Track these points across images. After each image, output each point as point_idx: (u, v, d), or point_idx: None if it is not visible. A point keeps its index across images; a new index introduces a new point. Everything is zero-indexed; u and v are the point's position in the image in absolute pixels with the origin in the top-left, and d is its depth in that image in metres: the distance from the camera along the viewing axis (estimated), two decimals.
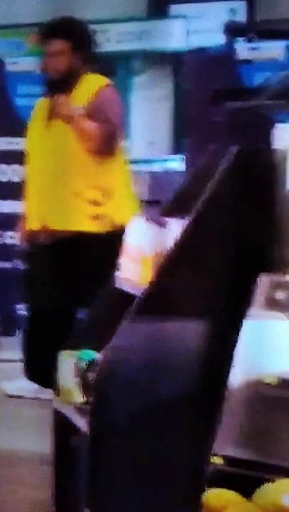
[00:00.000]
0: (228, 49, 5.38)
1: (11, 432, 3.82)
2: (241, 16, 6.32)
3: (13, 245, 5.18)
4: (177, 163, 5.47)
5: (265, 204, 2.09)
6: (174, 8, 6.38)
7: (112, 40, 5.96)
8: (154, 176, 5.28)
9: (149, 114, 6.03)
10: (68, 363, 2.36)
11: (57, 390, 2.42)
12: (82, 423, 2.18)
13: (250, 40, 5.53)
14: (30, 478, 3.26)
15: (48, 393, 2.95)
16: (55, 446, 2.49)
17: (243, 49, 5.33)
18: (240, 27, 5.97)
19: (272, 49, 5.24)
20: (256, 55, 5.27)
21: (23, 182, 4.32)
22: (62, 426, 2.41)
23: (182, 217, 2.19)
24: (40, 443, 3.06)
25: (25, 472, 3.37)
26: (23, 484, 3.24)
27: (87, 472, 2.03)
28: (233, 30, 5.80)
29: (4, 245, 5.53)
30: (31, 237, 4.09)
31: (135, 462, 1.98)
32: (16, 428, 3.88)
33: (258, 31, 5.70)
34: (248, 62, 5.25)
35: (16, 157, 5.00)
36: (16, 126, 5.00)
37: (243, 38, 5.61)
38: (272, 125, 2.25)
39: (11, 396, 4.32)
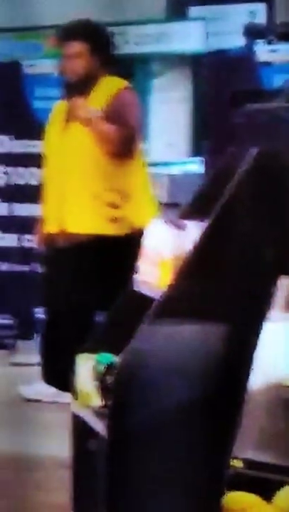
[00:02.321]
0: (248, 51, 5.37)
1: (29, 436, 3.82)
2: (261, 18, 6.29)
3: (31, 248, 5.18)
4: (196, 166, 5.46)
5: (285, 206, 2.07)
6: (193, 10, 6.36)
7: (130, 42, 5.96)
8: (172, 178, 5.27)
9: (168, 116, 6.02)
10: (86, 367, 2.35)
11: (75, 394, 2.40)
12: (100, 427, 2.17)
13: (269, 43, 5.52)
14: (49, 482, 3.26)
15: (66, 397, 2.94)
16: (73, 450, 2.48)
17: (262, 51, 5.32)
18: (259, 29, 5.95)
19: None
20: (276, 57, 5.26)
21: (40, 185, 4.33)
22: (80, 430, 2.40)
23: (201, 220, 2.18)
24: (58, 447, 3.06)
25: (43, 476, 3.36)
26: (41, 488, 3.24)
27: (105, 476, 2.02)
28: (253, 33, 5.79)
29: (22, 248, 5.53)
30: (49, 240, 4.09)
31: (154, 466, 1.96)
32: (34, 432, 3.88)
33: (278, 33, 5.69)
34: (267, 64, 5.24)
35: (34, 160, 5.01)
36: (34, 129, 5.00)
37: (263, 40, 5.60)
38: None
39: (29, 400, 4.31)
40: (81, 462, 2.44)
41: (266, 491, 2.13)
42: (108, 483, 2.01)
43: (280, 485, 2.13)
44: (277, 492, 2.13)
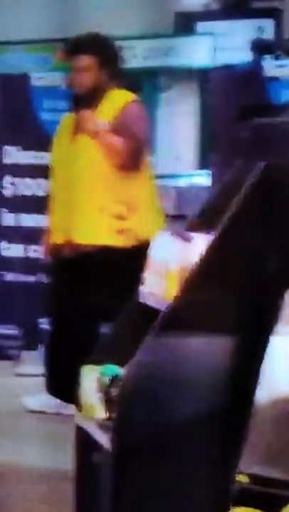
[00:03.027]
0: (256, 66, 5.38)
1: (32, 448, 3.80)
2: (269, 34, 6.32)
3: (37, 259, 5.18)
4: (203, 179, 5.47)
5: None
6: (201, 26, 6.39)
7: (138, 56, 5.98)
8: (179, 190, 5.28)
9: (175, 129, 6.04)
10: (91, 378, 2.34)
11: (79, 406, 2.39)
12: (104, 439, 2.16)
13: (277, 58, 5.54)
14: (52, 495, 3.24)
15: (70, 409, 2.93)
16: (77, 462, 2.46)
17: (270, 66, 5.33)
18: (267, 44, 5.98)
19: None
20: (283, 73, 5.27)
21: (47, 196, 4.33)
22: (84, 442, 2.38)
23: (208, 233, 2.18)
24: (61, 459, 3.04)
25: (46, 489, 3.34)
26: (44, 501, 3.22)
27: (109, 489, 2.00)
28: (261, 48, 5.81)
29: (28, 259, 5.53)
30: (55, 251, 4.09)
31: (159, 479, 1.95)
32: (37, 444, 3.86)
33: (285, 49, 5.71)
34: (275, 79, 5.25)
35: (41, 171, 5.02)
36: (42, 141, 5.01)
37: (270, 56, 5.61)
38: None
39: (32, 411, 4.30)
40: (85, 475, 2.43)
41: (272, 507, 2.12)
42: (112, 497, 2.00)
43: (286, 501, 2.12)
44: (284, 508, 2.12)
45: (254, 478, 2.17)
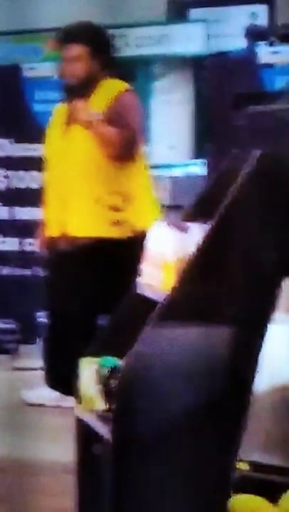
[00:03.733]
0: (250, 53, 5.36)
1: (33, 441, 3.80)
2: (262, 20, 6.29)
3: (32, 252, 5.17)
4: (198, 168, 5.45)
5: (288, 207, 2.06)
6: (194, 12, 6.36)
7: (131, 44, 5.95)
8: (175, 180, 5.27)
9: (170, 118, 6.02)
10: (90, 370, 2.33)
11: (79, 398, 2.39)
12: (104, 431, 2.16)
13: (271, 44, 5.52)
14: (53, 488, 3.24)
15: (69, 401, 2.93)
16: (77, 454, 2.46)
17: (264, 53, 5.31)
18: (261, 31, 5.95)
19: None
20: (278, 59, 5.25)
21: (41, 188, 4.32)
22: (84, 434, 2.38)
23: (204, 222, 2.17)
24: (62, 452, 3.04)
25: (47, 481, 3.35)
26: (45, 494, 3.22)
27: (110, 480, 2.00)
28: (254, 34, 5.79)
29: (24, 252, 5.52)
30: (51, 244, 4.08)
31: (159, 469, 1.95)
32: (37, 437, 3.86)
33: (280, 35, 5.69)
34: (269, 66, 5.23)
35: (35, 163, 5.00)
36: (34, 133, 4.99)
37: (265, 42, 5.59)
38: None
39: (31, 405, 4.30)
40: (85, 467, 2.43)
41: (272, 493, 2.13)
42: (113, 488, 2.00)
43: (286, 487, 2.13)
44: (283, 494, 2.13)
45: (254, 466, 2.18)
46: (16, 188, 5.58)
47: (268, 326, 1.99)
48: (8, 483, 3.34)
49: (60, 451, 3.30)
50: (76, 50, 4.02)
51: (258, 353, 1.97)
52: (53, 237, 4.04)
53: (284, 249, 2.04)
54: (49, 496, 3.17)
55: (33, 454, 3.65)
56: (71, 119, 3.98)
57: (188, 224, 2.26)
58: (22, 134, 5.51)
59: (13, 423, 4.05)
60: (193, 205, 2.40)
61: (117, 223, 3.89)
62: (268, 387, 2.18)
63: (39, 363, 4.33)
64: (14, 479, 3.38)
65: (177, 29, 6.09)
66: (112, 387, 2.23)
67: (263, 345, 1.97)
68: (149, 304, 2.19)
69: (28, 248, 5.42)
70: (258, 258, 2.03)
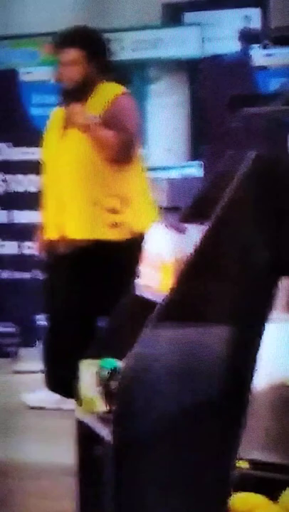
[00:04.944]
0: (244, 56, 5.38)
1: (34, 444, 3.81)
2: (256, 23, 6.32)
3: (31, 255, 5.18)
4: (195, 170, 5.46)
5: (284, 208, 2.08)
6: (189, 16, 6.38)
7: (127, 48, 5.97)
8: (172, 182, 5.28)
9: (166, 121, 6.03)
10: (90, 372, 2.34)
11: (79, 400, 2.40)
12: (105, 432, 2.16)
13: (265, 47, 5.55)
14: (54, 490, 3.24)
15: (69, 403, 2.93)
16: (78, 456, 2.47)
17: (258, 55, 5.34)
18: (255, 34, 5.98)
19: (287, 55, 5.24)
20: (271, 62, 5.28)
21: (40, 192, 4.33)
22: (85, 436, 2.39)
23: (201, 223, 2.18)
24: (63, 454, 3.05)
25: (48, 484, 3.35)
26: (46, 496, 3.22)
27: (111, 482, 2.01)
28: (248, 37, 5.81)
29: (22, 256, 5.52)
30: (50, 247, 4.09)
31: (160, 470, 1.96)
32: (38, 440, 3.87)
33: (273, 38, 5.72)
34: (263, 68, 5.26)
35: (32, 167, 5.01)
36: (32, 136, 5.00)
37: (258, 45, 5.61)
38: (288, 130, 2.24)
39: (32, 408, 4.30)
40: (86, 469, 2.44)
41: (272, 491, 2.14)
42: (114, 489, 2.01)
43: (285, 485, 2.14)
44: (283, 492, 2.14)
45: (254, 464, 2.19)
46: (15, 191, 5.59)
47: (266, 325, 2.00)
48: (8, 486, 3.34)
49: (61, 453, 3.30)
50: (72, 54, 4.03)
51: (256, 352, 1.98)
52: (51, 240, 4.05)
53: (280, 248, 2.05)
54: (51, 499, 3.18)
55: (33, 456, 3.66)
56: (68, 123, 4.00)
57: (186, 225, 2.27)
58: (20, 138, 5.52)
59: (14, 426, 4.06)
60: (190, 207, 2.42)
61: (115, 225, 3.91)
62: (267, 385, 2.19)
63: (39, 365, 4.33)
64: (15, 482, 3.38)
65: (172, 33, 6.11)
66: (112, 388, 2.24)
67: (261, 344, 1.98)
68: (147, 305, 2.20)
69: (26, 251, 5.43)
70: (255, 258, 2.04)
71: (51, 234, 4.04)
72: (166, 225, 2.30)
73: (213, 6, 6.36)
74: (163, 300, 2.06)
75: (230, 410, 1.95)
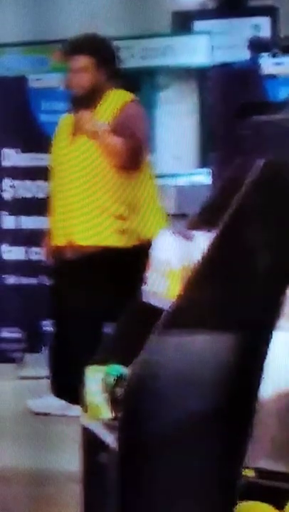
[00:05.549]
0: (253, 64, 5.39)
1: (39, 451, 3.80)
2: (265, 32, 6.33)
3: (38, 261, 5.18)
4: (203, 177, 5.47)
5: None
6: (198, 24, 6.40)
7: (136, 56, 5.99)
8: (180, 189, 5.29)
9: (175, 128, 6.05)
10: (96, 379, 2.34)
11: (84, 407, 2.40)
12: (111, 439, 2.16)
13: (274, 56, 5.56)
14: (59, 497, 3.24)
15: (75, 410, 2.93)
16: (83, 463, 2.47)
17: (267, 64, 5.35)
18: (264, 42, 5.99)
19: None
20: (281, 70, 5.29)
21: (47, 198, 4.34)
22: (90, 443, 2.39)
23: (209, 231, 2.18)
24: (68, 461, 3.05)
25: (53, 491, 3.34)
26: (52, 503, 3.22)
27: (116, 489, 2.01)
28: (258, 46, 5.83)
29: (30, 261, 5.53)
30: (57, 252, 4.09)
31: (166, 477, 1.95)
32: (43, 446, 3.86)
33: (282, 46, 5.73)
34: (272, 76, 5.27)
35: (41, 173, 5.02)
36: (41, 142, 5.02)
37: (268, 54, 5.63)
38: None
39: (37, 414, 4.30)
40: (92, 475, 2.43)
41: (278, 500, 2.13)
42: (119, 496, 2.00)
43: None
44: None
45: (260, 473, 2.18)
46: (23, 197, 5.60)
47: (273, 333, 2.00)
48: (14, 492, 3.34)
49: (67, 460, 3.30)
50: (82, 61, 4.05)
51: (263, 361, 1.97)
52: (58, 246, 4.06)
53: (288, 256, 2.05)
54: (56, 506, 3.17)
55: (38, 463, 3.65)
56: (77, 130, 4.01)
57: (194, 232, 2.27)
58: (28, 144, 5.53)
59: (19, 432, 4.05)
60: (198, 214, 2.42)
61: (122, 232, 3.91)
62: (274, 393, 2.19)
63: (45, 371, 4.34)
64: (20, 489, 3.38)
65: (182, 41, 6.12)
66: (118, 395, 2.24)
67: (269, 352, 1.98)
68: (154, 311, 2.20)
69: (34, 257, 5.43)
70: (263, 266, 2.04)
71: (58, 240, 4.05)
72: (174, 232, 2.30)
73: (223, 14, 6.38)
74: (170, 307, 2.05)
75: (237, 418, 1.95)
